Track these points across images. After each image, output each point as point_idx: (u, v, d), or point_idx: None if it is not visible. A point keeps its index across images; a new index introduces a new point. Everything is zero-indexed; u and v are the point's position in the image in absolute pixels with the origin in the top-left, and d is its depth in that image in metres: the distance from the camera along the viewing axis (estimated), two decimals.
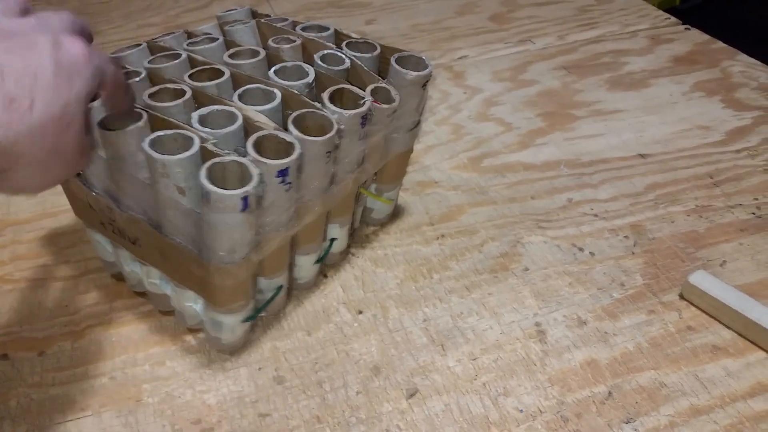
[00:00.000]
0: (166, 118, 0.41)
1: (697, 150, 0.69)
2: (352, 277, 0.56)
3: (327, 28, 0.53)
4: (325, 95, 0.45)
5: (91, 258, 0.57)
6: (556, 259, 0.56)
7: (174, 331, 0.51)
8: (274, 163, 0.39)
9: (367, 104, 0.44)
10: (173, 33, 0.55)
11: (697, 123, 0.73)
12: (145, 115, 0.40)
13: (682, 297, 0.53)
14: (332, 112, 0.43)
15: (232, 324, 0.47)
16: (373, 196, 0.57)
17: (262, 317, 0.52)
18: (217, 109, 0.43)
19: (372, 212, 0.59)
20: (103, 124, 0.40)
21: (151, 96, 0.44)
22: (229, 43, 0.51)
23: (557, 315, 0.51)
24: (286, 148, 0.40)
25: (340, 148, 0.45)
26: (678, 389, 0.46)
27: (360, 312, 0.53)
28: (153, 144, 0.39)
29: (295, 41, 0.51)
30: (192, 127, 0.41)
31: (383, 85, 0.47)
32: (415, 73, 0.48)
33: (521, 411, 0.45)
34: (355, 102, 0.45)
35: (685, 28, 0.93)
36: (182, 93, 0.44)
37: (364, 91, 0.46)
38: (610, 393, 0.46)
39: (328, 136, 0.42)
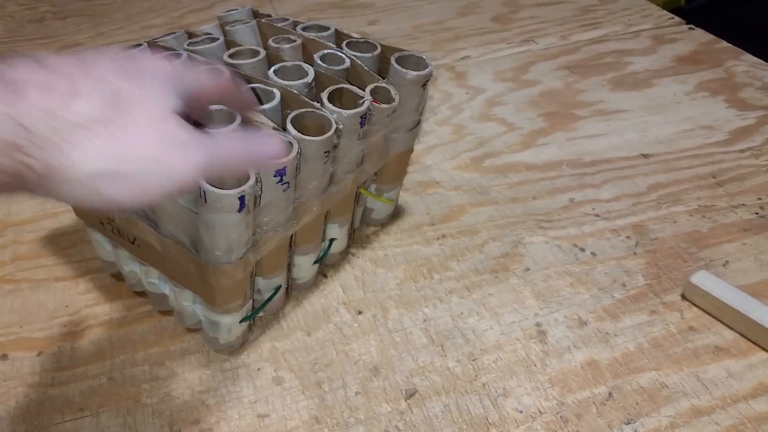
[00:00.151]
0: None
1: (700, 150, 0.69)
2: (352, 278, 0.55)
3: (327, 28, 0.53)
4: (324, 95, 0.44)
5: (92, 258, 0.57)
6: (557, 259, 0.56)
7: (173, 331, 0.51)
8: (275, 162, 0.39)
9: (367, 104, 0.44)
10: (174, 33, 0.55)
11: (701, 123, 0.73)
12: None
13: (684, 297, 0.52)
14: (331, 111, 0.43)
15: (229, 324, 0.46)
16: (373, 196, 0.56)
17: (260, 317, 0.52)
18: (215, 108, 0.43)
19: (372, 212, 0.59)
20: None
21: None
22: (229, 43, 0.51)
23: (558, 315, 0.51)
24: (285, 148, 0.40)
25: (339, 147, 0.45)
26: (679, 390, 0.46)
27: (360, 312, 0.52)
28: None
29: (295, 41, 0.51)
30: None
31: (383, 84, 0.47)
32: (415, 73, 0.48)
33: (521, 412, 0.45)
34: (354, 102, 0.45)
35: (689, 28, 0.93)
36: None
37: (364, 90, 0.46)
38: (610, 394, 0.46)
39: (326, 135, 0.41)
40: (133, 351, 0.50)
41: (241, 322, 0.47)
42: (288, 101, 0.44)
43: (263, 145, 0.34)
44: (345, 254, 0.57)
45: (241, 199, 0.37)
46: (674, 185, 0.64)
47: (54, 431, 0.45)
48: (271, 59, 0.49)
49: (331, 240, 0.53)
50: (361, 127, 0.45)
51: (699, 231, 0.59)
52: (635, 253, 0.56)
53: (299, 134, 0.41)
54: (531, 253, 0.57)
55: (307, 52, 0.51)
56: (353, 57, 0.49)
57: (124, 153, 0.27)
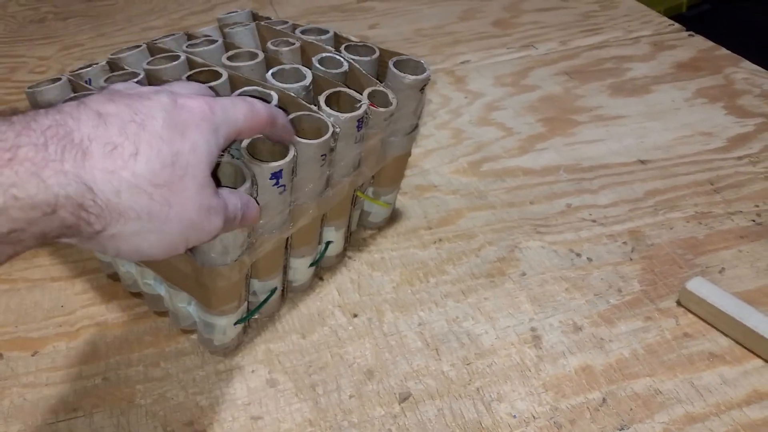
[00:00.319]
0: None
1: (698, 156, 0.69)
2: (348, 280, 0.55)
3: (326, 31, 0.54)
4: (322, 98, 0.44)
5: (88, 258, 0.57)
6: (554, 264, 0.56)
7: (168, 332, 0.51)
8: (267, 165, 0.39)
9: (364, 107, 0.44)
10: (173, 35, 0.55)
11: (699, 129, 0.73)
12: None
13: (679, 304, 0.52)
14: (328, 115, 0.43)
15: (224, 326, 0.46)
16: (370, 200, 0.57)
17: (255, 319, 0.52)
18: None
19: (369, 216, 0.59)
20: None
21: None
22: (228, 46, 0.51)
23: (553, 320, 0.51)
24: (281, 151, 0.40)
25: (336, 151, 0.45)
26: (673, 396, 0.46)
27: (355, 315, 0.52)
28: None
29: (293, 44, 0.51)
30: None
31: (380, 88, 0.47)
32: (412, 77, 0.48)
33: (514, 417, 0.45)
34: (351, 105, 0.45)
35: (689, 35, 0.93)
36: None
37: (362, 94, 0.46)
38: (604, 399, 0.46)
39: (323, 139, 0.41)
40: (128, 352, 0.50)
41: (236, 324, 0.47)
42: (286, 104, 0.44)
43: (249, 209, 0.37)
44: (341, 257, 0.57)
45: None
46: (671, 191, 0.64)
47: (48, 431, 0.45)
48: (269, 62, 0.49)
49: (328, 243, 0.53)
50: (358, 130, 0.45)
51: (695, 237, 0.59)
52: (631, 259, 0.56)
53: (296, 137, 0.41)
54: (527, 257, 0.57)
55: (305, 55, 0.51)
56: (351, 60, 0.49)
57: (171, 216, 0.30)
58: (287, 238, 0.48)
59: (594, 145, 0.71)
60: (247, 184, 0.37)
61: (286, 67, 0.47)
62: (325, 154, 0.43)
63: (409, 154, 0.56)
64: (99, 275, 0.56)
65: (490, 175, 0.67)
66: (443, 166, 0.69)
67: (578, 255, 0.57)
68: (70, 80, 0.49)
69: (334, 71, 0.48)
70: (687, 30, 0.95)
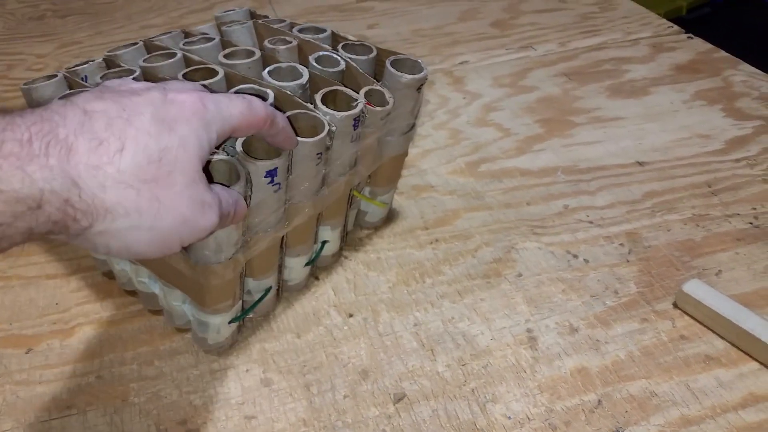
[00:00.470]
0: None
1: (696, 158, 0.69)
2: (344, 280, 0.55)
3: (324, 30, 0.53)
4: (318, 96, 0.44)
5: (83, 256, 0.57)
6: (550, 265, 0.56)
7: (163, 330, 0.51)
8: (262, 163, 0.39)
9: (360, 106, 0.44)
10: (171, 32, 0.55)
11: (697, 131, 0.73)
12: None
13: (676, 306, 0.52)
14: (324, 113, 0.43)
15: (218, 324, 0.46)
16: (366, 199, 0.56)
17: (250, 318, 0.52)
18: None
19: (366, 215, 0.59)
20: None
21: None
22: (225, 44, 0.51)
23: (549, 322, 0.51)
24: (276, 149, 0.40)
25: (332, 149, 0.44)
26: (669, 399, 0.45)
27: (350, 315, 0.52)
28: None
29: (291, 42, 0.51)
30: None
31: (377, 87, 0.47)
32: (409, 76, 0.48)
33: (509, 418, 0.45)
34: (348, 104, 0.45)
35: (688, 37, 0.93)
36: None
37: (358, 93, 0.46)
38: (599, 401, 0.45)
39: (318, 137, 0.41)
40: (122, 350, 0.50)
41: (230, 322, 0.47)
42: (282, 102, 0.44)
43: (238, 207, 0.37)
44: (337, 257, 0.57)
45: None
46: (669, 193, 0.64)
47: (40, 429, 0.45)
48: (266, 60, 0.49)
49: (324, 242, 0.53)
50: (354, 129, 0.45)
51: (693, 240, 0.58)
52: (628, 261, 0.56)
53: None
54: (524, 258, 0.57)
55: (302, 53, 0.51)
56: (348, 59, 0.49)
57: (160, 212, 0.29)
58: (282, 237, 0.48)
59: (592, 146, 0.71)
60: (241, 182, 0.37)
61: (283, 65, 0.47)
62: (320, 153, 0.43)
63: (405, 153, 0.56)
64: (94, 273, 0.56)
65: (487, 175, 0.67)
66: (440, 166, 0.69)
67: (575, 256, 0.57)
68: (65, 77, 0.49)
69: (331, 70, 0.48)
70: (686, 32, 0.95)
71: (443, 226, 0.61)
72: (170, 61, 0.48)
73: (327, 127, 0.42)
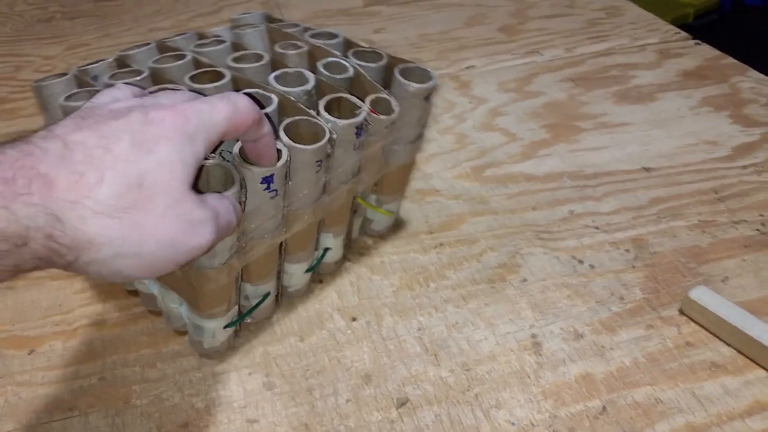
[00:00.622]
0: None
1: (702, 165, 0.68)
2: (348, 284, 0.55)
3: (336, 36, 0.53)
4: (322, 103, 0.44)
5: None
6: (555, 271, 0.56)
7: (166, 333, 0.51)
8: (259, 170, 0.38)
9: (363, 114, 0.44)
10: (184, 34, 0.55)
11: (704, 138, 0.72)
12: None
13: (681, 312, 0.52)
14: (326, 120, 0.43)
15: (213, 329, 0.46)
16: (372, 207, 0.56)
17: (248, 324, 0.51)
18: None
19: (372, 223, 0.59)
20: None
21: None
22: (236, 47, 0.51)
23: (554, 327, 0.51)
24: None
25: (334, 157, 0.44)
26: (674, 406, 0.45)
27: (354, 319, 0.52)
28: None
29: (301, 47, 0.50)
30: None
31: (384, 95, 0.47)
32: (417, 85, 0.47)
33: (513, 424, 0.44)
34: (352, 111, 0.44)
35: (695, 43, 0.93)
36: None
37: (364, 101, 0.45)
38: (604, 408, 0.45)
39: (317, 145, 0.41)
40: (125, 352, 0.50)
41: (226, 327, 0.47)
42: (286, 108, 0.44)
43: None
44: (341, 264, 0.57)
45: None
46: (675, 199, 0.63)
47: (42, 430, 0.45)
48: (275, 65, 0.49)
49: (326, 249, 0.53)
50: (357, 137, 0.45)
51: (699, 246, 0.58)
52: (634, 267, 0.56)
53: (291, 142, 0.40)
54: (529, 264, 0.56)
55: (313, 59, 0.51)
56: (357, 66, 0.49)
57: (144, 237, 0.29)
58: (281, 243, 0.47)
59: (598, 152, 0.71)
60: (235, 188, 0.37)
61: (290, 70, 0.47)
62: (320, 160, 0.42)
63: (413, 163, 0.56)
64: None
65: (492, 180, 0.67)
66: (446, 170, 0.69)
67: (580, 262, 0.56)
68: (75, 76, 0.49)
69: (339, 76, 0.48)
70: (693, 38, 0.94)
71: (448, 230, 0.60)
72: (179, 62, 0.48)
73: (327, 135, 0.41)
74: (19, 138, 0.28)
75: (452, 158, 0.71)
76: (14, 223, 0.26)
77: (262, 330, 0.51)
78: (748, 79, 0.83)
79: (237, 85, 0.46)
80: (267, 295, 0.49)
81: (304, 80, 0.46)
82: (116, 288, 0.54)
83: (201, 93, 0.44)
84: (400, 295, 0.54)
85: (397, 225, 0.61)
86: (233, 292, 0.46)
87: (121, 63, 0.51)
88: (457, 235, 0.60)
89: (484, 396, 0.46)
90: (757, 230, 0.59)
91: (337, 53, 0.50)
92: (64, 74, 0.48)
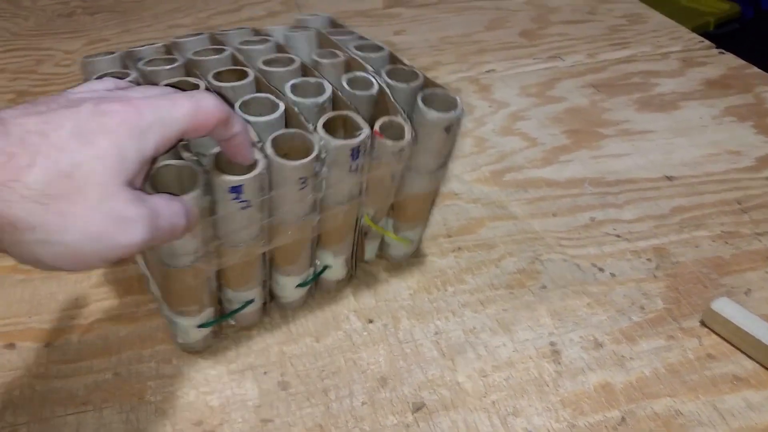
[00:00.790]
0: None
1: (725, 175, 0.67)
2: (365, 285, 0.55)
3: (382, 49, 0.50)
4: (322, 119, 0.42)
5: None
6: (575, 278, 0.55)
7: None
8: (228, 178, 0.37)
9: (362, 137, 0.41)
10: (243, 28, 0.54)
11: (727, 148, 0.72)
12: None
13: (703, 324, 0.51)
14: (320, 138, 0.40)
15: (185, 326, 0.46)
16: (384, 233, 0.54)
17: (232, 326, 0.51)
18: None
19: (389, 248, 0.56)
20: None
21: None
22: (280, 48, 0.50)
23: (573, 335, 0.50)
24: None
25: (327, 176, 0.42)
26: (695, 419, 0.44)
27: (370, 321, 0.51)
28: None
29: (338, 57, 0.48)
30: None
31: (397, 119, 0.44)
32: (435, 114, 0.43)
33: None
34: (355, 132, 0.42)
35: (719, 52, 0.92)
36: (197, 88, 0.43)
37: (378, 122, 0.43)
38: (623, 418, 0.44)
39: (299, 161, 0.39)
40: (140, 347, 0.49)
41: (200, 326, 0.47)
42: (289, 117, 0.43)
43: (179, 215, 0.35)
44: (345, 283, 0.54)
45: None
46: (698, 209, 0.63)
47: (56, 424, 0.44)
48: (306, 71, 0.47)
49: (325, 267, 0.51)
50: (353, 159, 0.42)
51: (721, 257, 0.57)
52: (655, 276, 0.55)
53: (273, 154, 0.39)
54: (548, 270, 0.56)
55: (348, 70, 0.48)
56: (383, 84, 0.46)
57: (69, 227, 0.28)
58: (264, 254, 0.46)
59: (620, 159, 0.70)
60: (194, 192, 0.36)
61: (311, 79, 0.45)
62: (304, 178, 0.40)
63: (434, 193, 0.52)
64: (115, 269, 0.56)
65: (512, 185, 0.66)
66: (465, 174, 0.68)
67: (601, 270, 0.56)
68: (121, 56, 0.49)
69: (360, 93, 0.45)
70: (717, 48, 0.93)
71: (466, 234, 0.60)
72: (216, 57, 0.47)
73: (314, 153, 0.39)
74: None
75: (471, 162, 0.70)
76: None
77: (277, 329, 0.51)
78: None
79: (259, 87, 0.45)
80: (250, 301, 0.48)
81: (321, 92, 0.44)
82: (133, 283, 0.54)
83: (218, 91, 0.43)
84: (418, 298, 0.53)
85: None
86: (204, 294, 0.45)
87: (169, 50, 0.51)
88: (476, 239, 0.59)
89: (501, 403, 0.46)
90: None
91: (370, 68, 0.47)
92: (112, 53, 0.49)
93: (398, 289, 0.54)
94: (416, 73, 0.47)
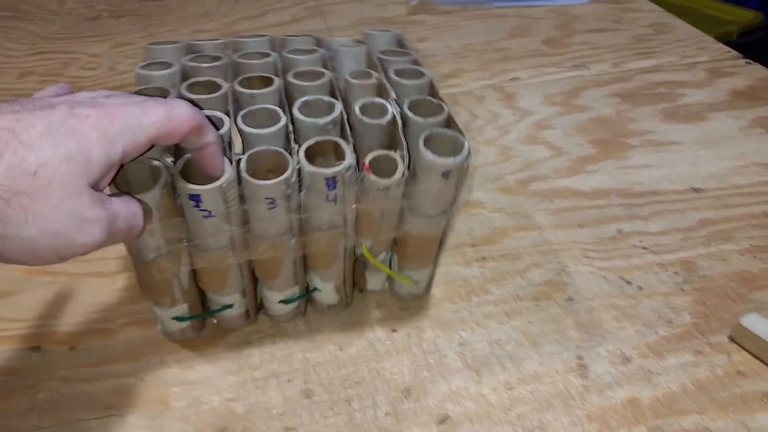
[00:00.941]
0: None
1: (754, 188, 0.66)
2: (388, 293, 0.54)
3: (423, 76, 0.48)
4: (304, 146, 0.41)
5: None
6: (603, 290, 0.54)
7: (206, 335, 0.51)
8: (189, 186, 0.37)
9: (339, 168, 0.40)
10: (308, 35, 0.53)
11: (755, 160, 0.71)
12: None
13: (732, 339, 0.50)
14: (297, 161, 0.40)
15: (160, 315, 0.47)
16: (380, 265, 0.51)
17: (218, 325, 0.52)
18: (216, 114, 0.42)
19: (394, 284, 0.54)
20: None
21: (188, 88, 0.44)
22: (326, 61, 0.50)
23: (600, 350, 0.49)
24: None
25: (307, 201, 0.41)
26: None
27: (394, 330, 0.51)
28: None
29: (370, 80, 0.47)
30: None
31: (393, 155, 0.42)
32: (432, 157, 0.40)
33: None
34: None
35: (746, 62, 0.91)
36: (219, 89, 0.44)
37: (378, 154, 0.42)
38: None
39: (265, 182, 0.38)
40: (164, 352, 0.50)
41: (176, 319, 0.48)
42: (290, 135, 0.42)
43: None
44: (338, 309, 0.53)
45: None
46: (725, 222, 0.62)
47: (79, 428, 0.45)
48: (333, 90, 0.46)
49: (313, 288, 0.50)
50: (329, 189, 0.40)
51: (750, 272, 0.56)
52: (683, 290, 0.54)
53: (244, 171, 0.39)
54: (575, 282, 0.55)
55: (378, 93, 0.47)
56: (397, 115, 0.44)
57: (28, 222, 0.29)
58: (240, 264, 0.46)
59: (645, 170, 0.69)
60: (152, 193, 0.37)
61: (324, 99, 0.44)
62: (272, 199, 0.40)
63: (438, 237, 0.49)
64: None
65: (537, 194, 0.66)
66: (489, 182, 0.68)
67: (628, 283, 0.55)
68: (183, 47, 0.50)
69: (368, 120, 0.43)
70: (744, 58, 0.92)
71: (491, 244, 0.60)
72: (261, 61, 0.48)
73: (284, 175, 0.39)
74: None
75: (496, 170, 0.70)
76: None
77: (300, 336, 0.51)
78: None
79: (279, 98, 0.45)
80: (228, 306, 0.49)
81: (330, 112, 0.43)
82: None
83: (240, 97, 0.44)
84: (441, 308, 0.53)
85: None
86: (175, 290, 0.45)
87: (231, 46, 0.51)
88: (501, 249, 0.59)
89: (526, 416, 0.45)
90: None
91: (393, 95, 0.45)
92: (176, 42, 0.50)
93: (422, 298, 0.54)
94: (442, 107, 0.44)
